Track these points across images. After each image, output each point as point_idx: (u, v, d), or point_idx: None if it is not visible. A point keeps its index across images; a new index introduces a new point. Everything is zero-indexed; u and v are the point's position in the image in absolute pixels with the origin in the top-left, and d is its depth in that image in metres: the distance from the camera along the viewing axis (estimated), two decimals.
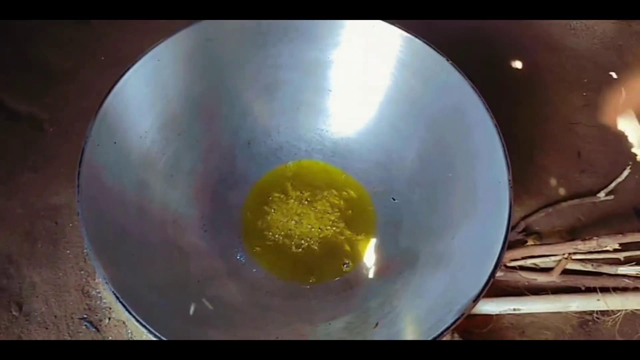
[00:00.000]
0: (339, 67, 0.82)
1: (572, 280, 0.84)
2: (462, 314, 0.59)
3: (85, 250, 0.85)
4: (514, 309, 0.81)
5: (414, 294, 0.70)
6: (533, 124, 1.05)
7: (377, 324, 0.67)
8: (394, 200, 0.83)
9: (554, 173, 0.99)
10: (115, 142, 0.70)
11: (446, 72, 0.75)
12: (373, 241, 0.81)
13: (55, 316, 0.82)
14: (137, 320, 0.57)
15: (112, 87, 0.69)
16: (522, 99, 1.08)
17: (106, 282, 0.58)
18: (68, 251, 0.86)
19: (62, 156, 0.94)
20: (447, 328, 0.58)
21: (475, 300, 0.60)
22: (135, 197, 0.71)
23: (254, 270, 0.78)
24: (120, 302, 0.57)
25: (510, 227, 0.64)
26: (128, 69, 0.71)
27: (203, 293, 0.71)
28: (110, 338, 0.80)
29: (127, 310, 0.56)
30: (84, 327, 0.81)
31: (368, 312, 0.71)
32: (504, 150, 0.68)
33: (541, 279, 0.83)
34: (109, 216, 0.66)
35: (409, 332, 0.64)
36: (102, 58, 1.06)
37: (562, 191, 0.97)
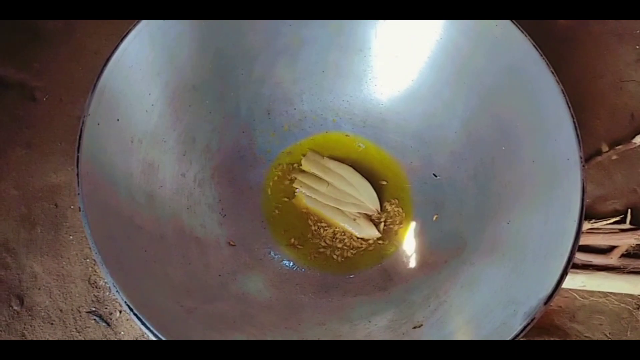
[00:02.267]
0: (372, 23, 0.71)
1: (631, 263, 0.75)
2: (533, 319, 0.51)
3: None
4: (582, 284, 0.73)
5: (463, 287, 0.61)
6: (580, 82, 0.94)
7: (421, 325, 0.59)
8: (436, 176, 0.73)
9: (604, 137, 0.89)
10: (118, 120, 0.60)
11: (500, 29, 0.63)
12: (412, 224, 0.72)
13: (61, 310, 0.74)
14: (154, 334, 0.49)
15: (111, 55, 0.58)
16: (566, 54, 0.96)
17: (117, 292, 0.49)
18: (71, 237, 0.78)
19: (58, 129, 0.84)
20: (517, 335, 0.50)
21: (547, 302, 0.51)
22: (144, 182, 0.62)
23: (281, 259, 0.69)
24: (136, 316, 0.48)
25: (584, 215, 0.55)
26: (129, 31, 0.60)
27: (225, 289, 0.62)
28: (122, 333, 0.73)
29: (144, 325, 0.48)
30: (92, 321, 0.73)
31: (412, 307, 0.62)
32: (574, 122, 0.58)
33: (597, 261, 0.75)
34: (116, 208, 0.57)
35: (464, 333, 0.56)
36: None
37: (615, 158, 0.87)
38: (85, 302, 0.74)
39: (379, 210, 0.73)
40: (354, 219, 0.71)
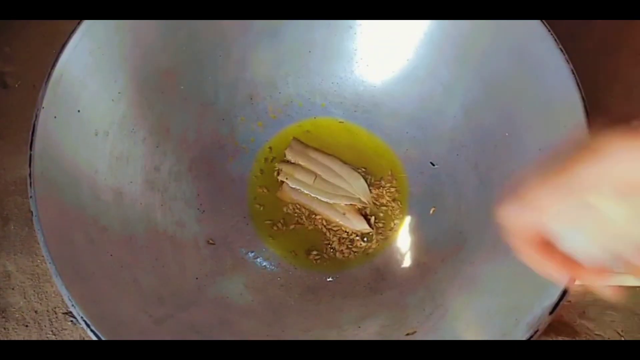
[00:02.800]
0: None
1: None
2: (535, 331, 0.46)
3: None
4: None
5: (461, 289, 0.57)
6: (595, 55, 0.87)
7: (414, 332, 0.54)
8: (433, 165, 0.67)
9: (622, 118, 0.82)
10: (79, 111, 0.54)
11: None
12: (407, 219, 0.67)
13: (36, 311, 0.70)
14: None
15: (68, 39, 0.53)
16: (577, 26, 0.89)
17: (73, 306, 0.44)
18: None
19: (31, 117, 0.79)
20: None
21: (552, 312, 0.46)
22: (112, 178, 0.57)
23: (266, 258, 0.65)
24: (93, 332, 0.44)
25: None
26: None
27: (202, 293, 0.58)
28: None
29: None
30: (69, 323, 0.69)
31: (406, 311, 0.58)
32: (585, 106, 0.52)
33: None
34: (77, 209, 0.52)
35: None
36: None
37: None
38: (61, 303, 0.70)
39: (371, 202, 0.67)
40: (344, 213, 0.66)
